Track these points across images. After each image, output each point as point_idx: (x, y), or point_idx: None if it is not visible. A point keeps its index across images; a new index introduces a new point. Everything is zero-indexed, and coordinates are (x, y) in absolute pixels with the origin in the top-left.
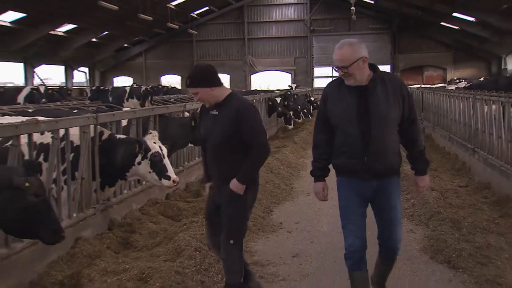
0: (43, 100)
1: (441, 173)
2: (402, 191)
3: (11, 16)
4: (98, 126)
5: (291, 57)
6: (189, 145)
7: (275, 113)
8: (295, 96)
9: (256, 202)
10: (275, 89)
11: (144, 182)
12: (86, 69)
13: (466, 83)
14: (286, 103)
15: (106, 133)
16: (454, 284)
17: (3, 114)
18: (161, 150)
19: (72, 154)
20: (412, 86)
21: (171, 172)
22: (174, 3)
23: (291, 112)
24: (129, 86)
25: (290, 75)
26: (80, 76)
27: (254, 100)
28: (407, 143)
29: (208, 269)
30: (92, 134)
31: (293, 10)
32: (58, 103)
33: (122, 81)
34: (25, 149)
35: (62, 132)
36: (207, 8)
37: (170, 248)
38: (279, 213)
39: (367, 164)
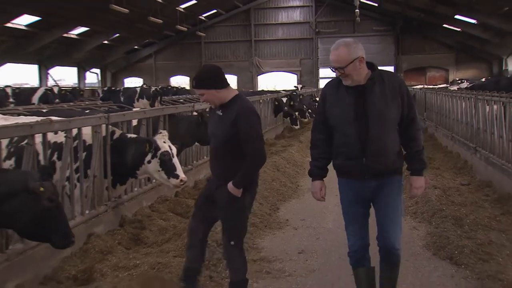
0: (57, 100)
1: (443, 171)
2: (404, 190)
3: (26, 19)
4: (110, 126)
5: (297, 59)
6: (196, 143)
7: (281, 113)
8: (301, 96)
9: (263, 200)
10: (281, 89)
11: (153, 180)
12: (98, 71)
13: (468, 83)
14: (292, 103)
15: (117, 132)
16: (456, 279)
17: (19, 114)
18: (171, 149)
19: (85, 153)
20: (415, 87)
21: (179, 171)
22: (183, 6)
23: (297, 112)
24: (139, 87)
25: (295, 76)
26: (92, 77)
27: (261, 100)
28: (405, 142)
29: (216, 264)
30: (104, 134)
31: (299, 12)
32: (71, 103)
33: (133, 82)
34: (39, 148)
35: (75, 131)
36: (215, 10)
37: (180, 244)
38: (285, 211)
39: (366, 165)
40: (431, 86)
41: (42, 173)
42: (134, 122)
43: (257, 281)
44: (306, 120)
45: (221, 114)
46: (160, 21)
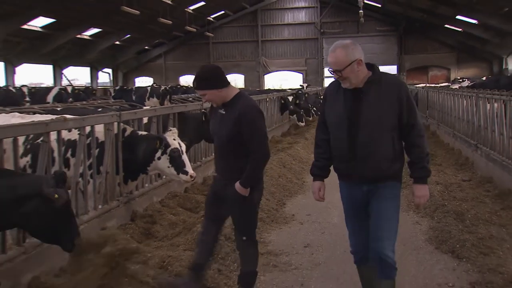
0: (70, 99)
1: (445, 167)
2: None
3: (41, 21)
4: (121, 124)
5: (302, 58)
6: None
7: (287, 111)
8: (306, 95)
9: (269, 195)
10: (287, 88)
11: (164, 176)
12: (110, 70)
13: (469, 82)
14: (297, 101)
15: (129, 130)
16: (458, 273)
17: (34, 113)
18: (180, 146)
19: (97, 150)
20: (417, 85)
21: (188, 167)
22: (191, 7)
23: (302, 110)
24: (150, 86)
25: (301, 75)
26: (104, 76)
27: (267, 99)
28: (407, 148)
29: (225, 258)
30: (115, 131)
31: (304, 13)
32: (84, 102)
33: (144, 81)
34: (54, 145)
35: (88, 129)
36: (222, 12)
37: (189, 238)
38: (291, 206)
39: (356, 169)
40: (433, 85)
41: (57, 180)
42: (145, 120)
43: (264, 274)
44: (311, 118)
45: (223, 113)
46: (170, 22)
